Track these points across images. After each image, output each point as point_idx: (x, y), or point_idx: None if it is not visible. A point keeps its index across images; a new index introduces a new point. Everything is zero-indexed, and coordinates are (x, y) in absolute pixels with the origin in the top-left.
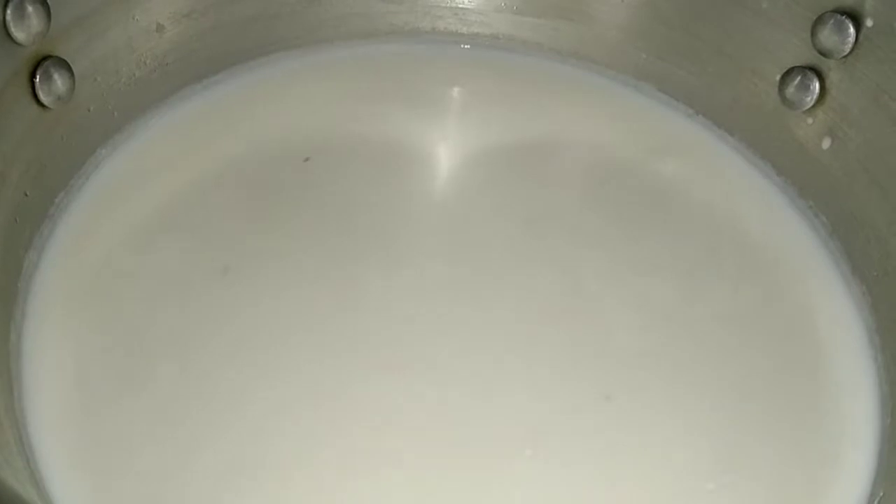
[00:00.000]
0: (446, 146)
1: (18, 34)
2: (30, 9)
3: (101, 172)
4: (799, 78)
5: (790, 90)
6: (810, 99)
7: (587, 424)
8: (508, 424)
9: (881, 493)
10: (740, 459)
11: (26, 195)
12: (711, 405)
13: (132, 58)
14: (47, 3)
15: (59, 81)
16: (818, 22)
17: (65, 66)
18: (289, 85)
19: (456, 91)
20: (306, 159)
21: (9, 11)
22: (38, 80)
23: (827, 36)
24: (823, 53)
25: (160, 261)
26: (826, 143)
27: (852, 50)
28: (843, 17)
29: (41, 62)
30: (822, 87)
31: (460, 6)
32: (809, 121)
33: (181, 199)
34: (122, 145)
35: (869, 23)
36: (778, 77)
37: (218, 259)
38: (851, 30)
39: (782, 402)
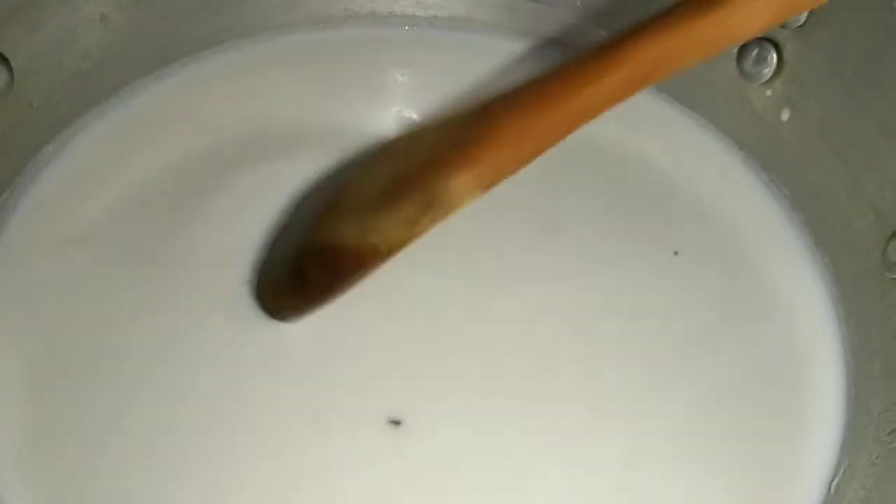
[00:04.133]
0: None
1: None
2: None
3: (48, 170)
4: (756, 50)
5: (748, 63)
6: (768, 71)
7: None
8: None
9: (846, 462)
10: (702, 434)
11: None
12: (673, 377)
13: (76, 50)
14: None
15: None
16: None
17: (1, 59)
18: (243, 75)
19: (415, 75)
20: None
21: None
22: None
23: None
24: (780, 23)
25: (111, 261)
26: (785, 115)
27: (807, 19)
28: None
29: None
30: (780, 59)
31: None
32: (768, 93)
33: (132, 196)
34: (69, 142)
35: None
36: (735, 49)
37: (172, 257)
38: None
39: (745, 374)
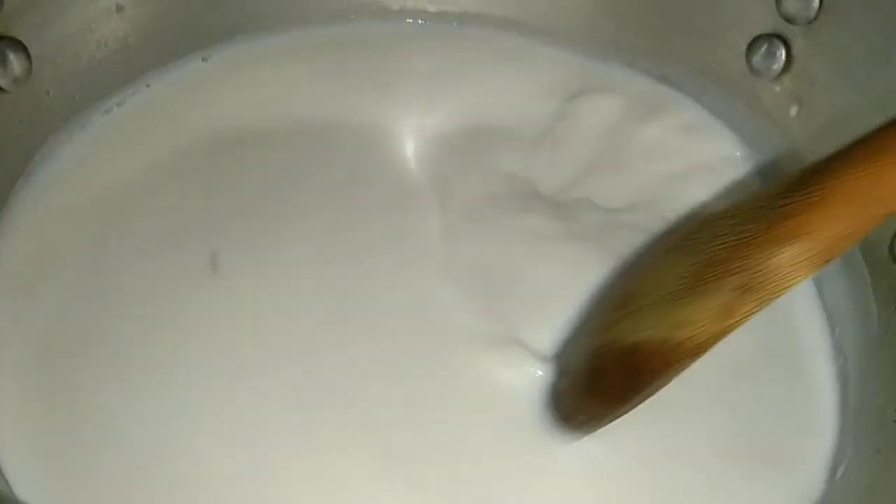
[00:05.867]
0: (416, 127)
1: None
2: None
3: (62, 156)
4: (765, 46)
5: (757, 58)
6: (777, 67)
7: None
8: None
9: (850, 451)
10: (703, 420)
11: None
12: None
13: (91, 39)
14: None
15: (15, 63)
16: None
17: (20, 47)
18: (255, 68)
19: (425, 70)
20: None
21: None
22: None
23: (792, 1)
24: (788, 20)
25: (123, 245)
26: (793, 111)
27: (817, 15)
28: None
29: None
30: (789, 55)
31: None
32: (777, 89)
33: (145, 183)
34: (84, 129)
35: None
36: (745, 46)
37: (186, 243)
38: None
39: (744, 362)
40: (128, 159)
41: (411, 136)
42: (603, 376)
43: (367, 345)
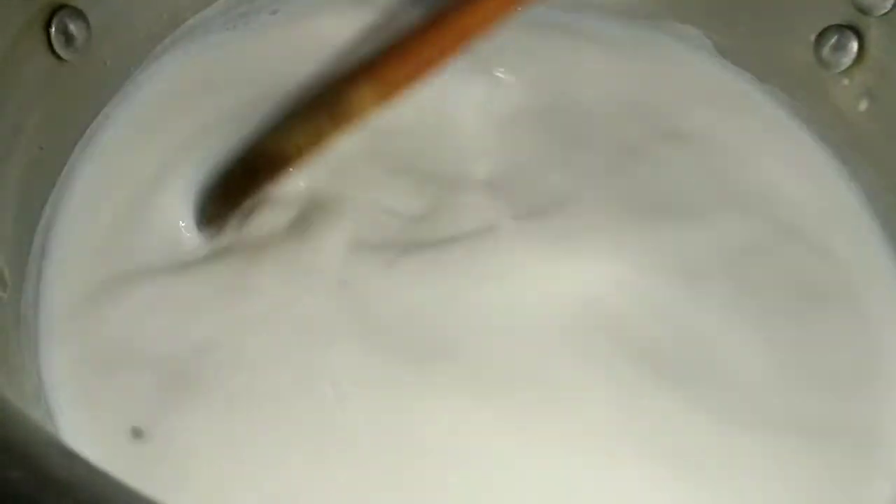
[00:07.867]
0: (470, 104)
1: None
2: None
3: (117, 125)
4: (836, 37)
5: (826, 50)
6: (847, 59)
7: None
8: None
9: None
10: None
11: (41, 149)
12: (750, 364)
13: (148, 11)
14: None
15: (75, 32)
16: None
17: (80, 16)
18: (312, 38)
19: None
20: None
21: None
22: (53, 30)
23: None
24: (863, 10)
25: (179, 212)
26: (864, 105)
27: (893, 7)
28: None
29: (56, 11)
30: (861, 47)
31: None
32: (846, 82)
33: (197, 150)
34: (136, 97)
35: None
36: (813, 37)
37: None
38: None
39: (822, 373)
40: (178, 129)
41: (467, 117)
42: (235, 180)
43: None
